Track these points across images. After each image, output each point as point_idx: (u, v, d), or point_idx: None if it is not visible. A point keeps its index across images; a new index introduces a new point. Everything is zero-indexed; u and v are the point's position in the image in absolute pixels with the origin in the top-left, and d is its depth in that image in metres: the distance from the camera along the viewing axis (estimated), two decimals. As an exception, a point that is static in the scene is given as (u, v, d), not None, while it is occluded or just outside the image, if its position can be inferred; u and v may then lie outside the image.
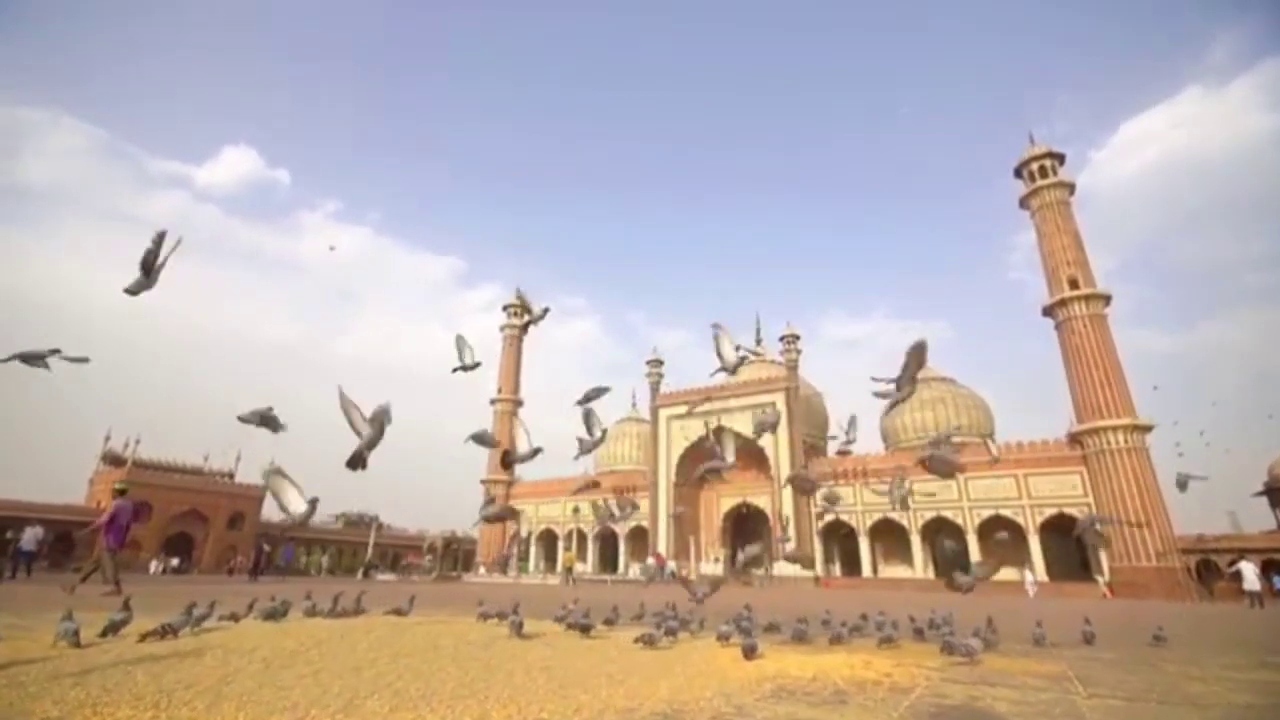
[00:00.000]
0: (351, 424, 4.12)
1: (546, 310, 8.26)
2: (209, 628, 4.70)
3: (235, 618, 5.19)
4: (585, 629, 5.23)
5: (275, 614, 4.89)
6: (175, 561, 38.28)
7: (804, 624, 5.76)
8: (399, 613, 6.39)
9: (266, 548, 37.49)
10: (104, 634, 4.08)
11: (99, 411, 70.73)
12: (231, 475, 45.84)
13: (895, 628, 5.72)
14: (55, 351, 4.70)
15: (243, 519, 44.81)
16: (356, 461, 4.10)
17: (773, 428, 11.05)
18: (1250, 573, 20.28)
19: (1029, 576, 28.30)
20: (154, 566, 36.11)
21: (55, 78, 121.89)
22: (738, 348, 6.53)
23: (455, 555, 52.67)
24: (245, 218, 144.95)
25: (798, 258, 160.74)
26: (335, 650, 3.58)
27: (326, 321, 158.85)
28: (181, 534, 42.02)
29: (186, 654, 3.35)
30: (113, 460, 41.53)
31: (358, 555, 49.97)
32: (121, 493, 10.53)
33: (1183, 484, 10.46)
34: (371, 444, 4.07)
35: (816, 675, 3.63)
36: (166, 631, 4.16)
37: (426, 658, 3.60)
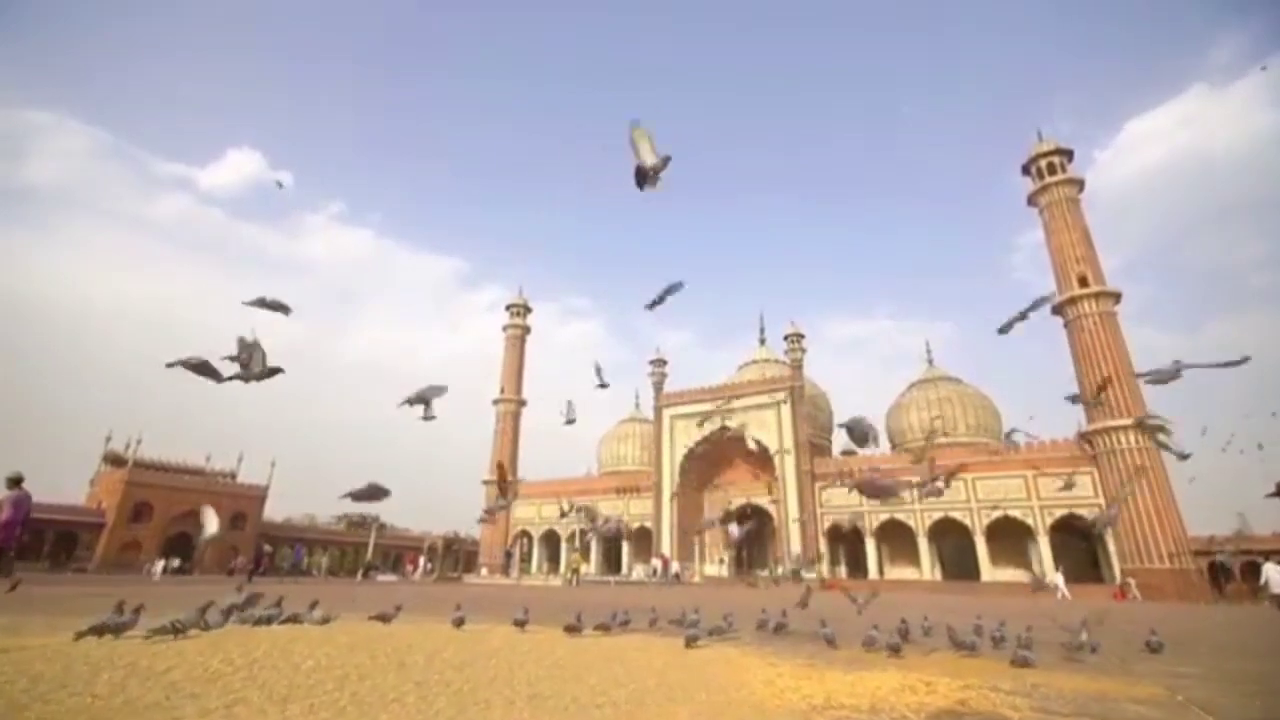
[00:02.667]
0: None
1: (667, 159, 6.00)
2: (131, 636, 4.10)
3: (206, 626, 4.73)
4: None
5: (180, 627, 4.00)
6: (176, 562, 37.91)
7: (876, 632, 5.15)
8: (383, 619, 5.79)
9: (268, 548, 37.08)
10: (82, 635, 3.84)
11: (100, 412, 70.74)
12: (233, 475, 45.60)
13: (979, 635, 5.16)
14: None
15: (245, 519, 44.48)
16: (645, 178, 4.51)
17: (867, 436, 9.34)
18: (1276, 575, 19.72)
19: (1059, 580, 27.83)
20: (157, 568, 35.75)
21: (59, 79, 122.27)
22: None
23: (456, 556, 52.35)
24: (248, 219, 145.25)
25: (800, 258, 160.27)
26: (269, 671, 2.90)
27: (329, 323, 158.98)
28: (182, 534, 41.69)
29: (79, 677, 2.70)
30: (114, 460, 41.26)
31: (359, 556, 49.71)
32: (17, 482, 9.79)
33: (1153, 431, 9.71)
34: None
35: (875, 705, 3.03)
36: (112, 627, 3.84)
37: (383, 681, 2.91)
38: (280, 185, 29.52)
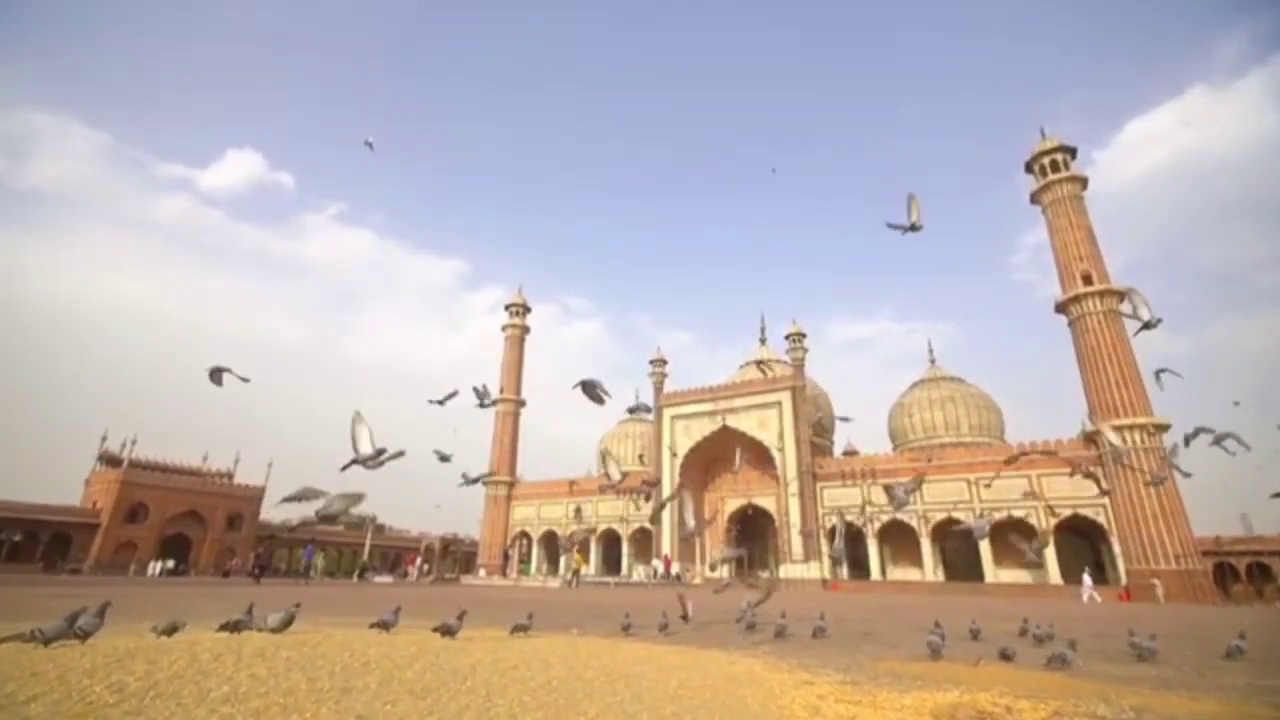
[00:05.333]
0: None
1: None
2: (68, 644, 3.80)
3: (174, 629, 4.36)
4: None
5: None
6: (171, 563, 37.60)
7: (939, 635, 4.70)
8: (383, 626, 5.51)
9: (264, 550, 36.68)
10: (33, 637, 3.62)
11: (97, 412, 70.33)
12: (230, 476, 45.27)
13: (1073, 647, 4.65)
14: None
15: (241, 520, 44.17)
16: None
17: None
18: None
19: (1087, 582, 27.48)
20: (153, 568, 35.47)
21: (59, 81, 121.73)
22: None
23: (454, 557, 52.02)
24: (249, 220, 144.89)
25: (803, 259, 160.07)
26: (166, 701, 2.31)
27: (329, 324, 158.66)
28: (179, 535, 41.38)
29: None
30: (110, 460, 40.92)
31: (358, 557, 49.39)
32: None
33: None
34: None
35: None
36: (36, 636, 3.59)
37: (313, 716, 2.29)
38: (370, 145, 27.83)
